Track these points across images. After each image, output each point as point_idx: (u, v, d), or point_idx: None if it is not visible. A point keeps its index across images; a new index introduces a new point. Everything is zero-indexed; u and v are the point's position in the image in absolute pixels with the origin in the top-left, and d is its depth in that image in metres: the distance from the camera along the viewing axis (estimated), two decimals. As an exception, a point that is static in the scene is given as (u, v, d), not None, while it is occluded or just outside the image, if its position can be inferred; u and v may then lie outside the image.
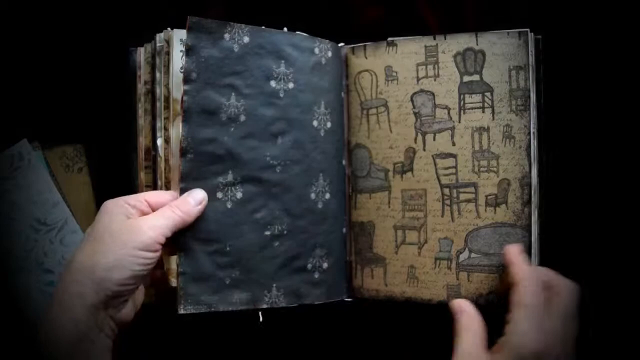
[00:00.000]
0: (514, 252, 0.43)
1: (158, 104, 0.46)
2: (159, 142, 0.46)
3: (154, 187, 0.47)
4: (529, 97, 0.45)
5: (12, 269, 0.51)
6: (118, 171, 0.53)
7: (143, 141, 0.48)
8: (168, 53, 0.46)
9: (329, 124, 0.47)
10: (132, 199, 0.40)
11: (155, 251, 0.38)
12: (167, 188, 0.45)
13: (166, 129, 0.46)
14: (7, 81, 0.54)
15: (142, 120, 0.48)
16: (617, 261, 0.51)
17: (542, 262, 0.48)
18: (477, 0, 0.54)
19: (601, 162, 0.52)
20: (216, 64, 0.43)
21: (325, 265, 0.46)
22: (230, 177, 0.43)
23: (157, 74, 0.46)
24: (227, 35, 0.43)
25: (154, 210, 0.41)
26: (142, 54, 0.48)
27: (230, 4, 0.55)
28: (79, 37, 0.54)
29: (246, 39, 0.44)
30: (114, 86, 0.52)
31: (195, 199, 0.41)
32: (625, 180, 0.52)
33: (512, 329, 0.38)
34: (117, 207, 0.39)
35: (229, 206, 0.43)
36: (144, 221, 0.39)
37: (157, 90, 0.46)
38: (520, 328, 0.38)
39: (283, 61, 0.45)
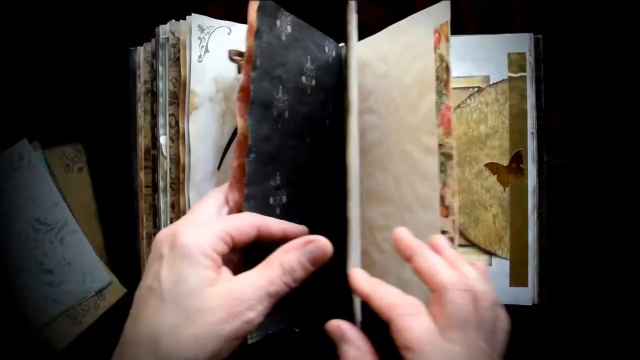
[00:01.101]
0: (415, 243, 0.34)
1: (161, 100, 0.45)
2: (163, 140, 0.45)
3: (154, 187, 0.47)
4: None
5: (12, 269, 0.51)
6: (118, 171, 0.53)
7: (143, 141, 0.48)
8: (174, 45, 0.44)
9: (334, 124, 0.45)
10: (217, 240, 0.31)
11: (251, 333, 0.30)
12: (172, 189, 0.44)
13: (172, 126, 0.44)
14: (7, 81, 0.54)
15: (142, 120, 0.48)
16: (618, 261, 0.51)
17: (542, 262, 0.48)
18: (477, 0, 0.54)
19: (602, 162, 0.52)
20: (272, 52, 0.38)
21: None
22: (278, 180, 0.39)
23: (161, 68, 0.45)
24: (278, 22, 0.38)
25: (235, 247, 0.32)
26: (141, 54, 0.48)
27: (230, 4, 0.55)
28: (78, 37, 0.54)
29: (289, 29, 0.39)
30: (113, 86, 0.52)
31: (315, 261, 0.32)
32: (626, 180, 0.52)
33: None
34: (201, 257, 0.30)
35: (277, 212, 0.39)
36: (240, 295, 0.30)
37: (161, 86, 0.45)
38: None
39: (309, 56, 0.42)
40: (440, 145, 0.37)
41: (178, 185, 0.44)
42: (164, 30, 0.45)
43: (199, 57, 0.43)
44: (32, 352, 0.51)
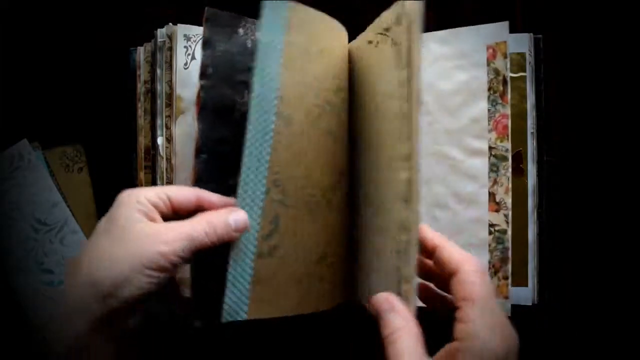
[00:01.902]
0: (435, 234, 0.36)
1: (159, 102, 0.45)
2: (160, 141, 0.46)
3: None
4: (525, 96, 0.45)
5: (12, 269, 0.51)
6: (118, 171, 0.53)
7: (143, 141, 0.48)
8: (170, 49, 0.45)
9: None
10: (153, 195, 0.35)
11: (170, 272, 0.33)
12: None
13: (167, 127, 0.45)
14: (7, 81, 0.54)
15: (142, 120, 0.48)
16: (618, 261, 0.51)
17: (542, 262, 0.48)
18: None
19: (602, 162, 0.52)
20: (232, 60, 0.40)
21: None
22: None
23: (159, 71, 0.46)
24: (241, 30, 0.41)
25: (175, 211, 0.35)
26: (141, 54, 0.48)
27: (228, 3, 0.55)
28: (78, 37, 0.54)
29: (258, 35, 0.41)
30: (113, 86, 0.52)
31: (238, 224, 0.35)
32: (626, 180, 0.52)
33: (469, 331, 0.31)
34: (135, 203, 0.34)
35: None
36: (161, 232, 0.33)
37: (158, 88, 0.46)
38: (479, 329, 0.30)
39: None
40: (491, 148, 0.44)
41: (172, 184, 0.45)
42: (161, 33, 0.46)
43: (185, 64, 0.45)
44: (32, 352, 0.51)
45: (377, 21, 0.40)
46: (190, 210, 0.36)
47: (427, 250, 0.35)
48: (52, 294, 0.51)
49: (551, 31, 0.49)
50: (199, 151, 0.39)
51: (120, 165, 0.52)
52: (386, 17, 0.38)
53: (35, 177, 0.52)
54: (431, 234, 0.35)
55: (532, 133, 0.46)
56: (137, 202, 0.34)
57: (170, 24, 0.45)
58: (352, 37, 0.49)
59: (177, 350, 0.54)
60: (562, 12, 0.53)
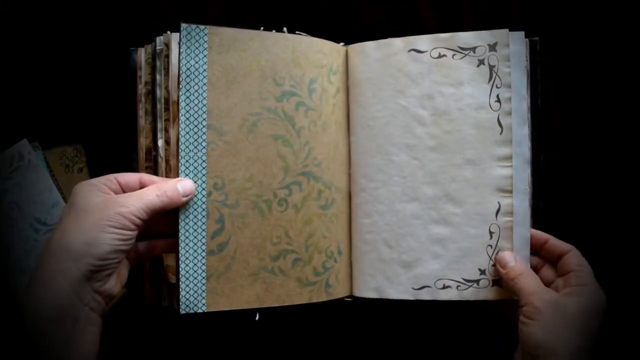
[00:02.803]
0: (540, 232, 0.46)
1: (158, 106, 0.46)
2: (160, 143, 0.46)
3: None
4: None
5: (12, 269, 0.51)
6: (118, 171, 0.53)
7: (144, 142, 0.48)
8: (167, 56, 0.46)
9: None
10: (103, 178, 0.40)
11: (132, 230, 0.38)
12: None
13: (166, 130, 0.46)
14: (7, 81, 0.54)
15: (143, 121, 0.48)
16: (618, 261, 0.51)
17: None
18: (477, 0, 0.54)
19: (602, 162, 0.53)
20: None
21: None
22: None
23: (157, 76, 0.46)
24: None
25: (123, 191, 0.41)
26: (142, 55, 0.48)
27: (229, 4, 0.55)
28: (79, 37, 0.54)
29: None
30: (114, 86, 0.52)
31: (185, 189, 0.41)
32: (626, 180, 0.52)
33: (579, 279, 0.41)
34: (90, 186, 0.39)
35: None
36: (118, 199, 0.38)
37: (158, 92, 0.46)
38: (596, 285, 0.41)
39: None
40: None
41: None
42: (159, 41, 0.46)
43: None
44: (32, 351, 0.51)
45: (438, 36, 0.46)
46: (136, 189, 0.41)
47: (538, 245, 0.45)
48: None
49: (548, 33, 0.50)
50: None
51: (121, 165, 0.52)
52: (468, 37, 0.46)
53: (35, 177, 0.52)
54: (538, 233, 0.45)
55: (531, 133, 0.46)
56: (90, 185, 0.39)
57: (168, 32, 0.46)
58: (351, 37, 0.50)
59: (171, 337, 0.54)
60: (559, 14, 0.53)
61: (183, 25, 0.42)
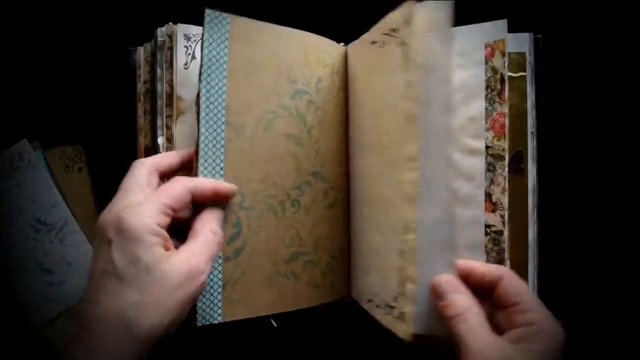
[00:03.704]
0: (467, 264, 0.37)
1: (159, 102, 0.45)
2: (160, 140, 0.46)
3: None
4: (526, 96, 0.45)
5: (12, 268, 0.51)
6: (118, 171, 0.53)
7: (143, 141, 0.48)
8: (170, 48, 0.45)
9: None
10: (159, 217, 0.34)
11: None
12: None
13: (168, 127, 0.45)
14: (7, 81, 0.54)
15: (142, 120, 0.48)
16: (618, 261, 0.51)
17: (542, 262, 0.48)
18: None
19: (602, 162, 0.52)
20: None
21: None
22: None
23: (159, 70, 0.45)
24: None
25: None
26: (141, 54, 0.48)
27: (229, 4, 0.55)
28: (79, 37, 0.54)
29: None
30: (113, 86, 0.52)
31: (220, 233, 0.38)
32: (626, 180, 0.52)
33: (535, 317, 0.33)
34: (150, 236, 0.33)
35: None
36: (191, 268, 0.33)
37: (159, 87, 0.45)
38: (544, 316, 0.33)
39: None
40: (488, 147, 0.43)
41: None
42: (161, 32, 0.45)
43: (185, 64, 0.45)
44: (32, 352, 0.51)
45: (382, 22, 0.40)
46: (187, 207, 0.37)
47: (462, 274, 0.36)
48: (52, 294, 0.52)
49: (551, 31, 0.49)
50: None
51: (121, 165, 0.52)
52: (393, 17, 0.39)
53: (35, 177, 0.53)
54: (461, 262, 0.37)
55: (532, 133, 0.46)
56: (151, 234, 0.33)
57: (170, 23, 0.45)
58: (351, 37, 0.49)
59: (177, 347, 0.54)
60: (562, 12, 0.53)
61: (207, 11, 0.40)
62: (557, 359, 0.32)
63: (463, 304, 0.34)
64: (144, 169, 0.38)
